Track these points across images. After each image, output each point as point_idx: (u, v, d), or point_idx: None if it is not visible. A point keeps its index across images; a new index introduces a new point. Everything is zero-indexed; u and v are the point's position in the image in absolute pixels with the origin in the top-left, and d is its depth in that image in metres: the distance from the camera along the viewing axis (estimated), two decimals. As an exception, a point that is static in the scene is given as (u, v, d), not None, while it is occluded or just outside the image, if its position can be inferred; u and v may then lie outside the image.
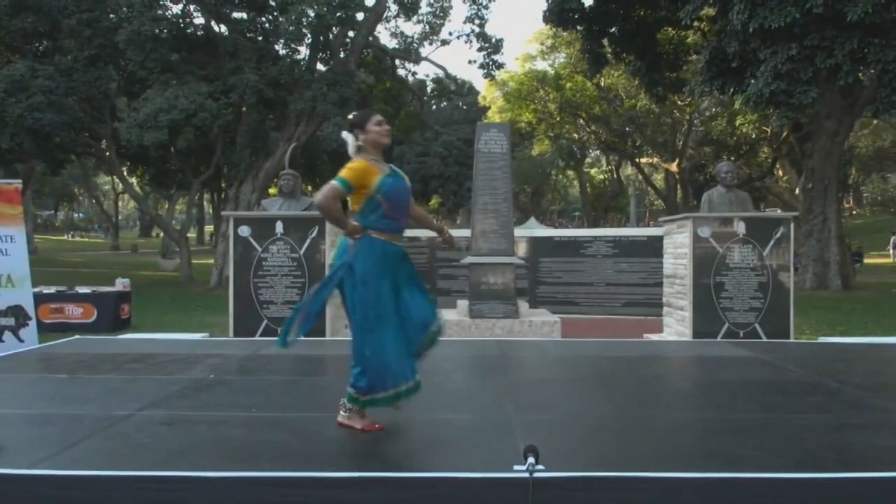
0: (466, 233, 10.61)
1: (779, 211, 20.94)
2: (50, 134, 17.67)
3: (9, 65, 18.25)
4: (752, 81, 14.13)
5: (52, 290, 10.79)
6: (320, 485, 2.69)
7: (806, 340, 8.30)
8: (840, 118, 17.13)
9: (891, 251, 31.24)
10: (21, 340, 7.03)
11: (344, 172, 3.47)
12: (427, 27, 23.49)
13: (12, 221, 7.13)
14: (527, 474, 2.62)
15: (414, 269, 3.78)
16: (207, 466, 2.84)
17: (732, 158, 29.22)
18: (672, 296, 7.99)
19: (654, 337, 8.19)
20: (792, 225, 7.45)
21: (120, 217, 62.71)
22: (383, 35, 51.51)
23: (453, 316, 8.69)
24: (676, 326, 7.79)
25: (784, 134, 23.83)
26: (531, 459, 2.67)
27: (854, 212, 52.48)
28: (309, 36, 18.61)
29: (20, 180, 7.74)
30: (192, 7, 18.70)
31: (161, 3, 18.04)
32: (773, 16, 13.02)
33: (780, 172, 32.74)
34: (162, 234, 37.33)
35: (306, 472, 2.77)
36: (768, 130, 27.55)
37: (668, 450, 3.22)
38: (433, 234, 4.32)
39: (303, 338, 3.58)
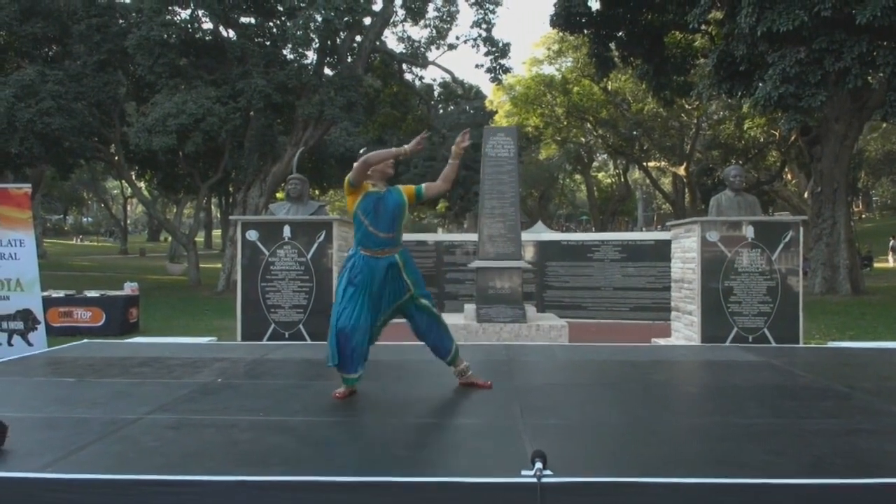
0: (474, 237, 10.62)
1: (787, 215, 20.87)
2: (59, 138, 17.79)
3: (19, 70, 18.38)
4: (761, 85, 14.08)
5: (60, 293, 10.85)
6: (328, 488, 2.69)
7: (815, 345, 8.26)
8: (849, 121, 17.06)
9: (890, 256, 30.95)
10: (30, 344, 7.07)
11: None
12: (434, 32, 23.55)
13: (22, 225, 7.18)
14: (534, 479, 2.61)
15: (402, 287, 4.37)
16: (215, 470, 2.84)
17: (741, 162, 29.13)
18: (680, 300, 7.97)
19: (662, 341, 8.16)
20: (801, 229, 7.42)
21: (128, 221, 62.99)
22: (390, 39, 51.63)
23: (460, 320, 8.68)
24: (685, 331, 7.77)
25: (793, 137, 23.75)
26: (539, 464, 2.66)
27: (863, 216, 52.27)
28: (316, 40, 18.67)
29: (29, 185, 7.79)
30: (200, 12, 18.79)
31: (170, 8, 18.13)
32: (782, 19, 12.98)
33: (789, 176, 32.62)
34: (170, 238, 37.50)
35: (314, 476, 2.77)
36: (777, 134, 27.46)
37: (676, 454, 3.20)
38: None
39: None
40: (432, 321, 4.47)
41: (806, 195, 25.04)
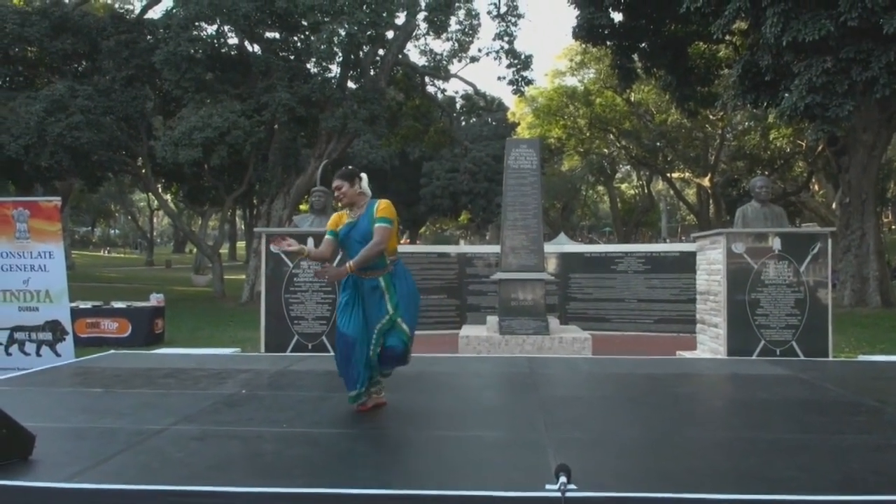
0: (496, 249, 10.60)
1: (815, 226, 20.59)
2: (88, 152, 18.11)
3: (49, 85, 18.76)
4: (787, 95, 13.93)
5: (88, 305, 10.99)
6: (351, 501, 2.69)
7: (845, 358, 8.11)
8: (877, 131, 16.83)
9: None
10: (58, 355, 7.16)
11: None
12: (456, 44, 23.57)
13: (51, 238, 7.30)
14: (559, 493, 2.59)
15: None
16: (239, 481, 2.85)
17: (766, 173, 28.81)
18: (706, 312, 7.88)
19: (687, 354, 8.06)
20: (829, 240, 7.31)
21: (154, 233, 63.83)
22: (413, 53, 51.83)
23: (483, 332, 8.66)
24: (710, 344, 7.67)
25: (819, 148, 23.47)
26: (563, 478, 2.64)
27: (893, 227, 51.35)
28: (340, 54, 18.82)
29: (59, 197, 7.93)
30: (226, 27, 19.06)
31: (196, 24, 18.42)
32: (807, 29, 12.85)
33: (816, 187, 32.22)
34: (195, 249, 37.90)
35: (338, 489, 2.76)
36: (803, 144, 27.15)
37: (702, 470, 3.16)
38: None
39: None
40: (398, 341, 4.17)
41: (834, 206, 24.73)
